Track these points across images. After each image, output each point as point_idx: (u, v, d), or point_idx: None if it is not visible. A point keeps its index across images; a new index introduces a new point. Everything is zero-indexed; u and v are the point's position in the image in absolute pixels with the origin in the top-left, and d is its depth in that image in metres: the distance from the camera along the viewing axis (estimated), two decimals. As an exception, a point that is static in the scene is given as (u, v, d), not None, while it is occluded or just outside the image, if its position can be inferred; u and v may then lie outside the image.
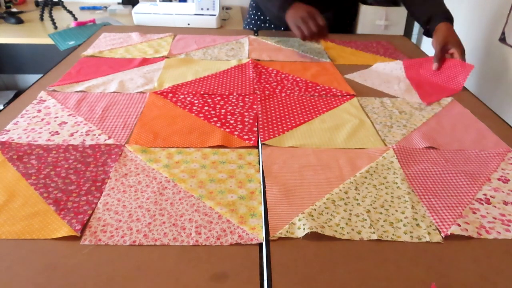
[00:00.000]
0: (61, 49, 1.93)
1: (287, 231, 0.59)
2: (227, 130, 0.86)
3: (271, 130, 0.86)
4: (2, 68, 3.00)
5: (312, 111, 0.95)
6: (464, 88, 1.11)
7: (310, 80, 1.12)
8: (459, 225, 0.61)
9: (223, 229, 0.60)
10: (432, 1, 1.25)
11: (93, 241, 0.57)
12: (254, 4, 1.61)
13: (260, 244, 0.57)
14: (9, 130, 0.83)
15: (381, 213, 0.64)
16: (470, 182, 0.71)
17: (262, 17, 1.61)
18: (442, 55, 1.14)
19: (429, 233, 0.60)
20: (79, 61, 1.20)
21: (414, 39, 2.89)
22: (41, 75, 1.10)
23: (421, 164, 0.76)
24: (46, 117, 0.88)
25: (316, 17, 1.17)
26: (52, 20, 2.20)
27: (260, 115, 0.92)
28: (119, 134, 0.83)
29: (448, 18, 1.19)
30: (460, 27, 2.16)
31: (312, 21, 1.16)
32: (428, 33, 1.25)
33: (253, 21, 1.64)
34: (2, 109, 0.91)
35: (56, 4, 2.39)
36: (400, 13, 2.89)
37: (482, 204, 0.67)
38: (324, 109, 0.96)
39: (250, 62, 1.22)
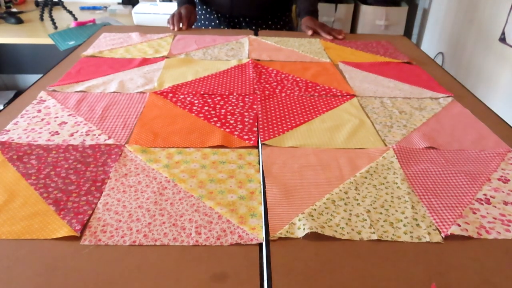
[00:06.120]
0: (61, 49, 1.93)
1: (287, 231, 0.59)
2: (227, 130, 0.86)
3: (271, 130, 0.86)
4: (2, 68, 3.00)
5: (312, 111, 0.95)
6: (464, 88, 1.11)
7: (310, 80, 1.12)
8: (459, 225, 0.61)
9: (223, 229, 0.60)
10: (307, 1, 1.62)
11: (93, 241, 0.57)
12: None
13: (260, 244, 0.57)
14: (9, 130, 0.83)
15: (381, 213, 0.64)
16: (470, 182, 0.71)
17: (208, 16, 1.68)
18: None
19: (429, 233, 0.60)
20: (79, 61, 1.20)
21: (414, 39, 2.89)
22: (41, 75, 1.10)
23: (421, 164, 0.76)
24: (46, 117, 0.88)
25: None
26: (52, 20, 2.19)
27: (260, 115, 0.92)
28: (119, 134, 0.83)
29: (311, 12, 1.59)
30: (460, 27, 2.16)
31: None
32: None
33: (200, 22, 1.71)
34: (2, 109, 0.91)
35: (56, 4, 2.38)
36: (400, 13, 2.90)
37: (482, 204, 0.67)
38: (324, 109, 0.96)
39: (250, 62, 1.22)
